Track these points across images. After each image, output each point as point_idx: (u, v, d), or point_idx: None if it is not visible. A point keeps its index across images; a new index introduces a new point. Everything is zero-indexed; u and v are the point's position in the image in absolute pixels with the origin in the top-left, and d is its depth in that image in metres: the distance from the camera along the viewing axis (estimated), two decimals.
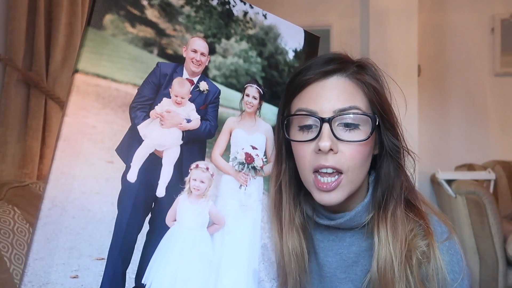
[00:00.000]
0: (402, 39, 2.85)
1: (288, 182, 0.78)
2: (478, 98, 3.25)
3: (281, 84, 0.85)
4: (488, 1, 3.24)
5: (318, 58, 0.73)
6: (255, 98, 0.81)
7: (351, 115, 0.69)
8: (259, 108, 0.82)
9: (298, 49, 0.88)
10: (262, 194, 0.80)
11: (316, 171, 0.70)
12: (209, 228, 0.74)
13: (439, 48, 3.28)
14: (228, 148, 0.78)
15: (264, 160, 0.81)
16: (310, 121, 0.71)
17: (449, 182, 2.47)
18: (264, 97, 0.82)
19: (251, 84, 0.81)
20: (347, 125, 0.69)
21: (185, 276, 0.71)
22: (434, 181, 2.73)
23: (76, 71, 0.65)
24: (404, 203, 0.74)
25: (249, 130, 0.80)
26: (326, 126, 0.68)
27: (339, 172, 0.69)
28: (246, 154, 0.79)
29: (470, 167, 2.92)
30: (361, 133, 0.70)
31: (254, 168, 0.79)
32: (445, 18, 3.28)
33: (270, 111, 0.83)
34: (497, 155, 3.11)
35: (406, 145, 0.75)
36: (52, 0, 1.57)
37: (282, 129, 0.75)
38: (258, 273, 0.77)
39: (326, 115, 0.69)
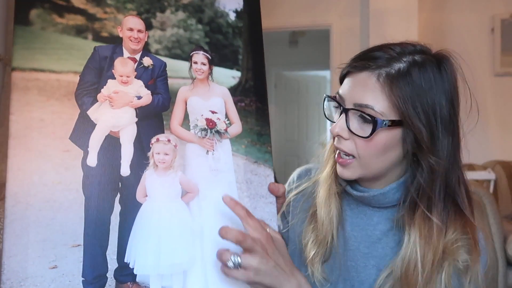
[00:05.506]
0: (402, 39, 2.82)
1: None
2: (478, 98, 3.20)
3: (228, 46, 0.85)
4: (488, 1, 3.20)
5: (364, 52, 0.80)
6: (204, 64, 0.81)
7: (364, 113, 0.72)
8: (210, 73, 0.81)
9: (239, 9, 0.88)
10: (231, 156, 0.80)
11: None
12: (183, 198, 0.74)
13: (439, 48, 3.22)
14: (186, 117, 0.78)
15: (227, 122, 0.80)
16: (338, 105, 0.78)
17: None
18: (213, 62, 0.82)
19: (197, 51, 0.81)
20: (362, 117, 0.73)
21: (169, 248, 0.70)
22: None
23: (13, 69, 0.65)
24: (453, 213, 0.76)
25: (204, 96, 0.80)
26: (343, 114, 0.75)
27: (352, 155, 0.75)
28: (207, 119, 0.79)
29: (470, 167, 2.88)
30: (371, 130, 0.72)
31: (218, 132, 0.79)
32: (445, 18, 3.24)
33: (223, 74, 0.83)
34: (497, 155, 3.06)
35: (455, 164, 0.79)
36: None
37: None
38: None
39: (347, 105, 0.74)
